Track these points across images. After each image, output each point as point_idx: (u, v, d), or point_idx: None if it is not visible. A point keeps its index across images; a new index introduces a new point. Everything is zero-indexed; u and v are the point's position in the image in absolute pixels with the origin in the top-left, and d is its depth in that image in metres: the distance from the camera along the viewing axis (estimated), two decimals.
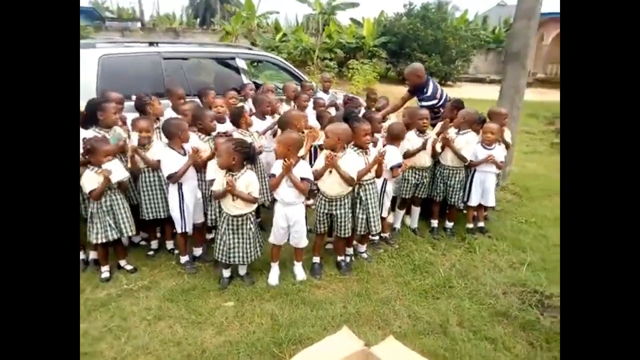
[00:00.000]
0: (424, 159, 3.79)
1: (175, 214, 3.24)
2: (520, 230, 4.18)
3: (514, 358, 2.43)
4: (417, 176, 3.84)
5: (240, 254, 2.98)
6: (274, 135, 3.95)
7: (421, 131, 3.76)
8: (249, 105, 4.33)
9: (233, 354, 2.40)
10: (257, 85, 5.34)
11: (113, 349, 2.44)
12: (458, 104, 4.20)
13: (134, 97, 3.70)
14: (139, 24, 22.64)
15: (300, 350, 2.27)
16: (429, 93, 4.44)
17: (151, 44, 4.76)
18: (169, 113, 3.85)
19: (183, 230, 3.26)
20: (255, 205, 3.06)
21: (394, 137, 3.53)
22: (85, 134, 3.12)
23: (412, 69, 4.57)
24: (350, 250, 3.51)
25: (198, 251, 3.47)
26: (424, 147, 3.70)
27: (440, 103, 4.46)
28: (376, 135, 3.58)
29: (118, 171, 2.95)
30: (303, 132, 3.49)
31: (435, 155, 3.88)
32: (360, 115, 3.71)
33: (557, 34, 15.80)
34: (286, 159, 2.88)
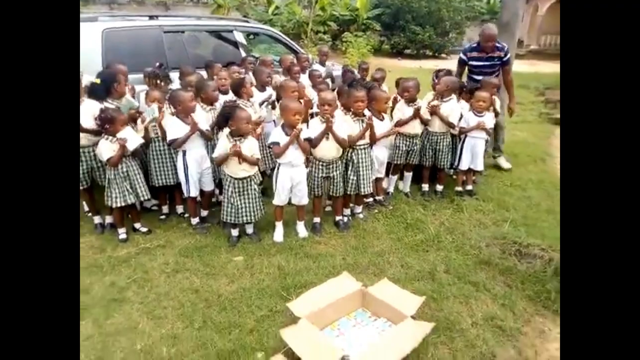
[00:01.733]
0: (414, 127, 4.00)
1: (181, 179, 3.50)
2: (505, 192, 4.47)
3: (492, 297, 2.77)
4: (407, 143, 4.07)
5: (248, 213, 3.26)
6: (272, 107, 4.14)
7: (411, 100, 3.96)
8: (249, 78, 4.49)
9: (246, 297, 2.71)
10: (255, 59, 5.48)
11: (139, 296, 2.75)
12: (448, 74, 4.42)
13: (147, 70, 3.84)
14: None
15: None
16: (506, 49, 4.61)
17: (151, 17, 4.85)
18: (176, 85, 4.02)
19: (188, 195, 3.51)
20: (256, 168, 3.32)
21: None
22: (96, 105, 3.30)
23: (493, 29, 4.54)
24: (347, 211, 3.80)
25: (204, 213, 3.71)
26: (414, 116, 3.89)
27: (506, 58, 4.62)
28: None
29: (133, 139, 3.17)
30: (300, 100, 3.71)
31: (426, 122, 4.11)
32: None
33: (551, 4, 15.76)
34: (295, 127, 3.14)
